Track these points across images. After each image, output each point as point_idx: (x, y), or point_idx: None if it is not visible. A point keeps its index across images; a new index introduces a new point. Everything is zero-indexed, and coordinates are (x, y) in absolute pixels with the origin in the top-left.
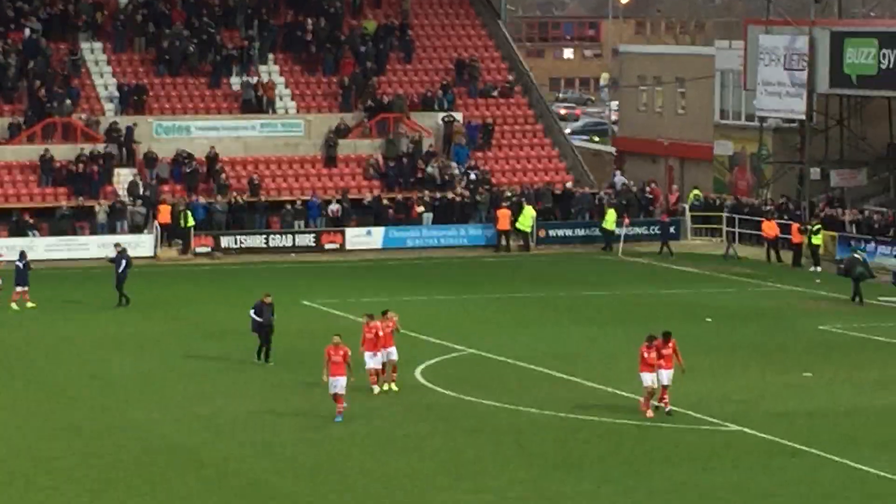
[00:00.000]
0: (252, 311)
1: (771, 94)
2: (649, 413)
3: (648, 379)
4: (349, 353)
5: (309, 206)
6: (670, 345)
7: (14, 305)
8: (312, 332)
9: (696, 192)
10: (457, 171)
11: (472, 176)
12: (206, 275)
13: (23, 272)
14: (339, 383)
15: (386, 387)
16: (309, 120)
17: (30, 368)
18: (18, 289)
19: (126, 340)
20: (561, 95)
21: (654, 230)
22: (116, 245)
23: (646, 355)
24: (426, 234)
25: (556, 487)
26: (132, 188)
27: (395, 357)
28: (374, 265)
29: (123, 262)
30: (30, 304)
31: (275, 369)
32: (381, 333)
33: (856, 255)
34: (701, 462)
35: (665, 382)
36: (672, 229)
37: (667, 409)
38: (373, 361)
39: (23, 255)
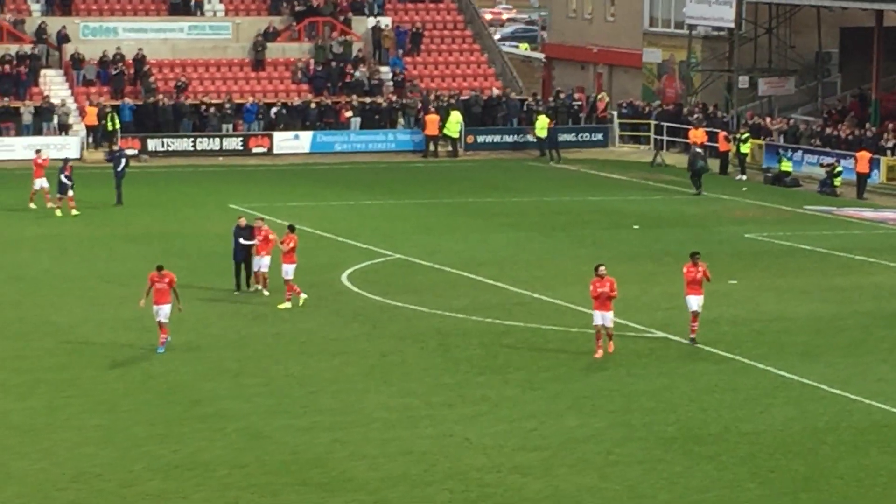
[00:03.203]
0: (241, 238)
1: (700, 1)
2: (598, 354)
3: (598, 318)
4: (175, 280)
5: (245, 109)
6: (699, 268)
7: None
8: None
9: (602, 95)
10: (390, 78)
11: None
12: (131, 178)
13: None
14: (164, 311)
15: (265, 295)
16: (237, 23)
17: None
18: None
19: (49, 243)
20: None
21: (581, 137)
22: (112, 144)
23: (599, 290)
24: (354, 139)
25: (482, 392)
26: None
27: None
28: (302, 169)
29: (123, 161)
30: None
31: (198, 273)
32: (271, 237)
33: (697, 150)
34: (625, 368)
35: (695, 308)
36: (600, 136)
37: (692, 336)
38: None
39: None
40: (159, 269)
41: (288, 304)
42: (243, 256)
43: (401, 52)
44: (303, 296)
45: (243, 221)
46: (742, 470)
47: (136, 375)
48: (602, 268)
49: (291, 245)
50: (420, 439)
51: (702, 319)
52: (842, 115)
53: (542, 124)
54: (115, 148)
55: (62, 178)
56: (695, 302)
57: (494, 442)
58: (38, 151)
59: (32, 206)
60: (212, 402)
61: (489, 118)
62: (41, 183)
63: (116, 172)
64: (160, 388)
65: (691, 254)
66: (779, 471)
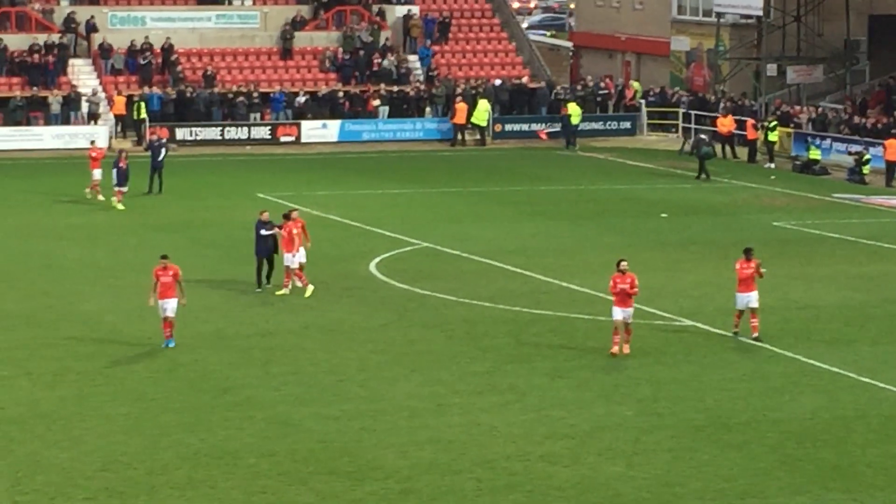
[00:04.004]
0: (262, 230)
1: None
2: (614, 349)
3: (618, 314)
4: (180, 273)
5: (273, 98)
6: (752, 264)
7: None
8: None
9: (632, 83)
10: (418, 67)
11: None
12: None
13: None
14: (170, 306)
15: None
16: (265, 12)
17: None
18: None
19: (78, 231)
20: None
21: (609, 125)
22: (153, 133)
23: (619, 285)
24: (382, 128)
25: (509, 381)
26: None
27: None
28: (330, 158)
29: (163, 150)
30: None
31: (226, 262)
32: (295, 233)
33: (701, 136)
34: (654, 356)
35: (743, 307)
36: (629, 124)
37: (754, 335)
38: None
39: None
40: (163, 258)
41: (286, 291)
42: (266, 251)
43: (429, 41)
44: (285, 291)
45: (266, 216)
46: (770, 458)
47: (164, 364)
48: (624, 262)
49: (296, 233)
50: (448, 428)
51: (729, 308)
52: (861, 107)
53: (573, 112)
54: (154, 138)
55: (115, 170)
56: (744, 300)
57: (522, 430)
58: (92, 142)
59: (100, 197)
60: (240, 390)
61: (517, 107)
62: (98, 174)
63: (156, 162)
64: (188, 376)
65: (745, 249)
66: (807, 459)
